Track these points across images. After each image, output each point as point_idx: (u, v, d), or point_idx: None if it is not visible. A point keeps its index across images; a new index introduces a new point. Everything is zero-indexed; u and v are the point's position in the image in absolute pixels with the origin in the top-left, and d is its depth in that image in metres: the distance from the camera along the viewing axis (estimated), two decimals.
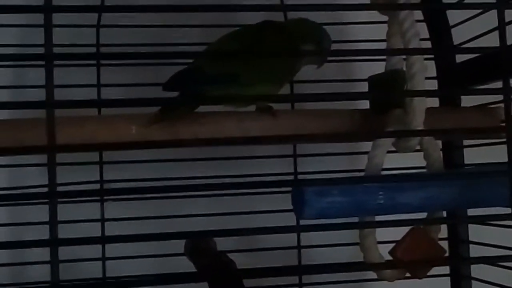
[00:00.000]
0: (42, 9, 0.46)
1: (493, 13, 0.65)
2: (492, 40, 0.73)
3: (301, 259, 1.03)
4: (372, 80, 0.85)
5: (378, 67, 0.84)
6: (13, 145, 0.63)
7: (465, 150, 1.00)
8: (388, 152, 0.75)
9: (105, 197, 0.97)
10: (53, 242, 0.42)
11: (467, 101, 0.96)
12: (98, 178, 0.98)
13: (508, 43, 0.60)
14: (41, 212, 0.73)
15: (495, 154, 0.83)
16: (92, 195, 0.47)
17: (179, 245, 0.88)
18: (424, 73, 0.73)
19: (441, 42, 0.99)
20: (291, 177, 1.03)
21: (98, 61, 0.98)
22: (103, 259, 0.98)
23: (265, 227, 0.56)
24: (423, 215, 0.77)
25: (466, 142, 1.00)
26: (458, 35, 0.99)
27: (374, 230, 0.75)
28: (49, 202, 0.44)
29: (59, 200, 0.59)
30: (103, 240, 0.79)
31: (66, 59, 0.44)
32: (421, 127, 0.74)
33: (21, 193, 0.42)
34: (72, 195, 0.42)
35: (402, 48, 0.75)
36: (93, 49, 0.99)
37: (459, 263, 1.00)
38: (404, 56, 0.77)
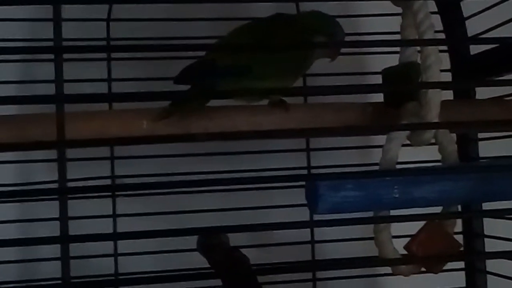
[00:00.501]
0: (51, 1, 0.45)
1: (507, 5, 0.64)
2: (506, 32, 0.73)
3: (314, 254, 1.02)
4: (386, 73, 0.84)
5: (392, 60, 0.83)
6: (22, 140, 0.62)
7: (480, 143, 0.99)
8: (403, 145, 0.75)
9: (117, 193, 0.97)
10: (64, 239, 0.41)
11: (482, 94, 0.95)
12: (109, 174, 0.97)
13: None
14: (51, 208, 0.73)
15: (511, 147, 0.82)
16: (103, 190, 0.46)
17: (191, 240, 0.87)
18: (439, 65, 0.72)
19: (455, 34, 0.98)
20: (304, 172, 1.02)
21: (109, 55, 0.97)
22: (115, 255, 0.97)
23: (277, 222, 0.55)
24: (438, 209, 0.76)
25: (481, 135, 0.99)
26: (472, 28, 0.97)
27: (389, 225, 0.74)
28: (59, 198, 0.43)
29: (70, 196, 0.59)
30: (115, 236, 0.78)
31: (76, 52, 0.43)
32: (436, 120, 0.73)
33: (31, 189, 0.41)
34: (83, 191, 0.41)
35: (416, 39, 0.74)
36: (104, 43, 0.98)
37: (475, 257, 0.99)
38: (418, 48, 0.76)
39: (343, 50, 0.89)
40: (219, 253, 0.85)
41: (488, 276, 0.98)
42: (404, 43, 0.80)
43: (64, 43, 0.54)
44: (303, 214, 0.83)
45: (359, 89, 0.58)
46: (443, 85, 0.73)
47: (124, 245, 0.97)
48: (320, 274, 1.01)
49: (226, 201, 1.00)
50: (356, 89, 0.57)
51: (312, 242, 1.02)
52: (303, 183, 0.71)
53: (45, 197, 0.88)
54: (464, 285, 1.00)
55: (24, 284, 0.98)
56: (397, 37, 0.82)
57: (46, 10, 0.67)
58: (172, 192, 0.98)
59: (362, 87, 0.61)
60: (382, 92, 0.84)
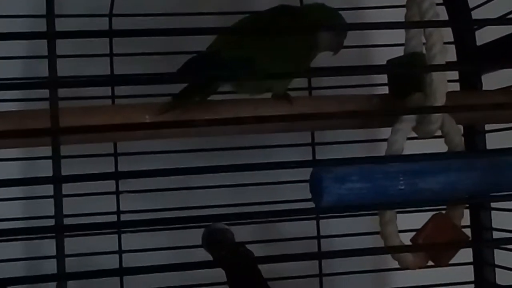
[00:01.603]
0: None
1: None
2: None
3: (320, 248, 1.01)
4: (392, 63, 0.83)
5: (398, 53, 0.82)
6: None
7: (487, 136, 0.98)
8: (409, 139, 0.74)
9: (120, 190, 0.96)
10: (58, 229, 0.40)
11: (489, 85, 0.94)
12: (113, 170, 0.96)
13: None
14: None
15: None
16: (104, 178, 0.46)
17: (196, 237, 0.87)
18: (444, 55, 0.71)
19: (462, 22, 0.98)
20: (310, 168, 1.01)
21: (111, 51, 0.96)
22: (120, 252, 0.96)
23: (282, 209, 0.54)
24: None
25: (488, 127, 0.98)
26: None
27: (394, 217, 0.73)
28: (54, 195, 0.42)
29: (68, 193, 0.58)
30: (119, 225, 0.77)
31: (71, 37, 0.42)
32: None
33: (28, 178, 0.40)
34: (81, 179, 0.40)
35: (420, 21, 0.72)
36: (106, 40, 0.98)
37: (481, 246, 0.98)
38: (423, 40, 0.75)
39: (349, 42, 0.89)
40: (224, 248, 0.85)
41: (497, 269, 0.97)
42: (409, 24, 0.78)
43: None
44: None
45: (365, 71, 0.57)
46: (448, 68, 0.72)
47: (128, 242, 0.96)
48: (326, 269, 1.00)
49: (231, 197, 1.00)
50: (361, 71, 0.56)
51: (318, 237, 1.01)
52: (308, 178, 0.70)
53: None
54: (473, 279, 0.99)
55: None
56: (402, 30, 0.81)
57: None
58: (177, 188, 0.97)
59: (368, 69, 0.59)
60: (387, 73, 0.83)
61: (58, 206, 0.42)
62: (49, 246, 0.85)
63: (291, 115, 0.56)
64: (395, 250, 0.73)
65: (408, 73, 0.78)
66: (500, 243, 0.88)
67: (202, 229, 0.87)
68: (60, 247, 0.43)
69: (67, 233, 0.43)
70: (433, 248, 0.73)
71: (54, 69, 0.41)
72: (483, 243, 0.97)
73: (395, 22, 0.64)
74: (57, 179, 0.40)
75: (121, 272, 0.75)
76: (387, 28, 0.56)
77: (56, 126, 0.38)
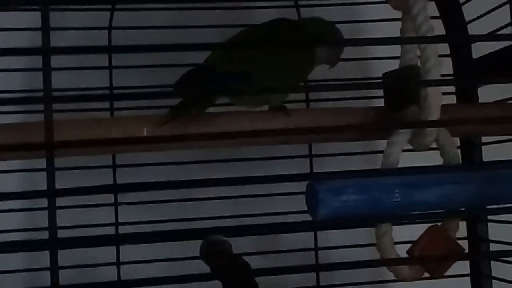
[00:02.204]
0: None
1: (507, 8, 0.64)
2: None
3: (318, 260, 1.02)
4: (387, 77, 0.83)
5: (394, 65, 0.83)
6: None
7: (484, 148, 0.98)
8: (404, 151, 0.74)
9: (119, 202, 0.96)
10: (52, 244, 0.41)
11: (485, 98, 0.95)
12: (112, 182, 0.97)
13: None
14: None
15: None
16: (103, 191, 0.46)
17: (194, 248, 0.87)
18: (439, 68, 0.72)
19: (457, 38, 0.98)
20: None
21: (110, 63, 0.96)
22: (118, 263, 0.96)
23: (280, 222, 0.55)
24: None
25: (484, 139, 0.98)
26: (474, 32, 0.97)
27: (390, 229, 0.74)
28: (48, 207, 0.42)
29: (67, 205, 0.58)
30: (117, 240, 0.77)
31: (66, 52, 0.42)
32: None
33: (20, 192, 0.41)
34: (76, 193, 0.41)
35: (417, 37, 0.73)
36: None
37: (477, 259, 0.98)
38: (419, 53, 0.75)
39: (345, 55, 0.89)
40: (221, 259, 0.85)
41: (494, 281, 0.97)
42: (406, 40, 0.79)
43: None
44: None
45: (360, 87, 0.58)
46: (444, 83, 0.73)
47: (127, 254, 0.97)
48: (324, 281, 1.00)
49: (230, 208, 1.00)
50: (358, 87, 0.57)
51: (316, 248, 1.01)
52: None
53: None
54: None
55: None
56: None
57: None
58: (174, 200, 0.97)
59: (364, 84, 0.60)
60: (383, 88, 0.84)
61: (52, 219, 0.42)
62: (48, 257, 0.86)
63: (286, 129, 0.57)
64: (391, 262, 0.74)
65: (403, 86, 0.79)
66: (496, 256, 0.88)
67: (201, 240, 0.88)
68: (53, 260, 0.43)
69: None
70: (428, 261, 0.74)
71: (49, 84, 0.41)
72: (479, 255, 0.97)
73: (391, 38, 0.65)
74: (50, 193, 0.40)
75: (120, 285, 0.75)
76: (384, 44, 0.57)
77: (50, 140, 0.38)
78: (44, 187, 0.91)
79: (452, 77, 0.98)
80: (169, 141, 0.53)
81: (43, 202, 0.71)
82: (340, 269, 0.60)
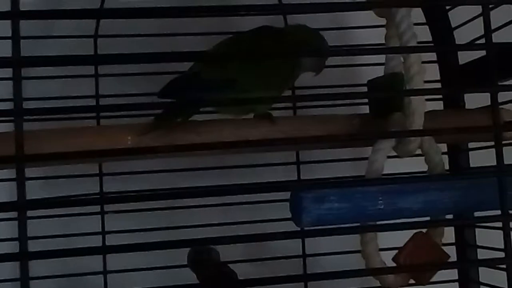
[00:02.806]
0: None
1: (494, 13, 0.65)
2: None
3: (306, 268, 1.01)
4: (371, 84, 0.83)
5: (379, 73, 0.83)
6: None
7: (471, 154, 0.98)
8: (389, 157, 0.74)
9: (106, 210, 0.96)
10: (22, 256, 0.41)
11: (472, 104, 0.95)
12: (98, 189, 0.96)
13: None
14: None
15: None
16: (90, 203, 0.46)
17: (182, 256, 0.87)
18: (422, 75, 0.72)
19: (444, 44, 0.98)
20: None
21: (96, 71, 0.96)
22: (104, 272, 0.96)
23: (267, 233, 0.55)
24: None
25: (471, 145, 0.98)
26: (460, 38, 0.97)
27: (375, 237, 0.74)
28: (18, 216, 0.42)
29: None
30: (104, 249, 0.77)
31: (35, 65, 0.42)
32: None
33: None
34: (42, 206, 0.40)
35: (403, 46, 0.73)
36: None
37: (463, 265, 0.98)
38: (403, 60, 0.75)
39: (331, 62, 0.89)
40: (208, 268, 0.85)
41: (482, 287, 0.97)
42: (391, 50, 0.79)
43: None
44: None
45: (344, 97, 0.58)
46: (425, 92, 0.73)
47: (114, 263, 0.96)
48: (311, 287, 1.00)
49: (217, 215, 1.00)
50: (341, 96, 0.57)
51: (304, 255, 1.01)
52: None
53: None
54: None
55: None
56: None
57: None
58: (161, 207, 0.97)
59: (348, 94, 0.60)
60: (367, 97, 0.84)
61: (22, 231, 0.41)
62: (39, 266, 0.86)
63: (271, 139, 0.57)
64: (377, 272, 0.74)
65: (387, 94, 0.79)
66: (482, 264, 0.88)
67: (188, 248, 0.88)
68: (24, 272, 0.43)
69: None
70: (414, 269, 0.74)
71: (20, 95, 0.41)
72: (464, 263, 0.97)
73: (376, 48, 0.65)
74: (19, 205, 0.40)
75: None
76: (369, 54, 0.57)
77: (20, 153, 0.38)
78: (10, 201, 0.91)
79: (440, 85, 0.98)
80: (155, 153, 0.52)
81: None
82: (327, 279, 0.60)
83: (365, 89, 0.85)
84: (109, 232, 0.96)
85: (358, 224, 0.72)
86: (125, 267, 0.96)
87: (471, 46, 0.75)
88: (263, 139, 0.72)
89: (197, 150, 0.46)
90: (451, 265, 0.86)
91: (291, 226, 0.77)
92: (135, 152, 0.56)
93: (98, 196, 0.90)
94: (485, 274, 0.96)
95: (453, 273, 0.99)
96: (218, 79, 0.77)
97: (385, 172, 0.74)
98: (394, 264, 0.74)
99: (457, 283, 0.99)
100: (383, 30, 0.81)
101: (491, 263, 0.67)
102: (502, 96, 0.86)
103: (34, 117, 0.76)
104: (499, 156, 0.59)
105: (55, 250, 0.43)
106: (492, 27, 0.82)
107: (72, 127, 0.77)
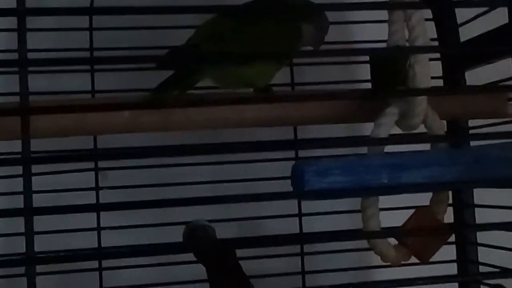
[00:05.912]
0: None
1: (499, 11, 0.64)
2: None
3: (303, 248, 1.00)
4: (374, 58, 0.82)
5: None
6: None
7: (471, 132, 0.98)
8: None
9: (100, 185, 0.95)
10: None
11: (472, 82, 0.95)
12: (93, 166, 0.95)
13: None
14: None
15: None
16: (83, 159, 0.44)
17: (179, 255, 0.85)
18: (426, 37, 0.71)
19: (447, 39, 0.97)
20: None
21: (92, 66, 0.94)
22: (100, 269, 0.93)
23: (264, 193, 0.54)
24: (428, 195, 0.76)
25: (471, 123, 0.97)
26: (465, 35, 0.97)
27: (377, 212, 0.72)
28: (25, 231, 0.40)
29: None
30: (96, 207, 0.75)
31: (40, 64, 0.41)
32: (424, 104, 0.72)
33: None
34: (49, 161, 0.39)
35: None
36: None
37: (464, 229, 0.98)
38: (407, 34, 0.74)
39: (330, 38, 0.88)
40: (204, 243, 0.84)
41: (481, 267, 0.96)
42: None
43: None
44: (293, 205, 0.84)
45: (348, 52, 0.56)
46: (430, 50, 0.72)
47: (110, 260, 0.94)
48: (308, 267, 0.99)
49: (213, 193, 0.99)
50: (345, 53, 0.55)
51: (300, 215, 0.99)
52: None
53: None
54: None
55: None
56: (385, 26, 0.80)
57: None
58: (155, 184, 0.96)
59: (352, 51, 0.58)
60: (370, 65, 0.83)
61: (30, 242, 0.40)
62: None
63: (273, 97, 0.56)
64: (373, 234, 0.73)
65: (392, 67, 0.77)
66: (484, 278, 0.87)
67: (183, 226, 0.86)
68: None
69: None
70: (409, 235, 0.74)
71: (24, 45, 0.40)
72: (465, 228, 0.96)
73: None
74: (27, 212, 0.38)
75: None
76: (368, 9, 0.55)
77: (25, 104, 0.37)
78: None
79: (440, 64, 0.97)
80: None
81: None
82: (323, 241, 0.59)
83: (368, 84, 0.84)
84: (105, 228, 0.94)
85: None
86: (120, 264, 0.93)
87: None
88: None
89: (209, 105, 0.44)
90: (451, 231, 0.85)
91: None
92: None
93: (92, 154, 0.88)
94: (482, 234, 0.96)
95: (452, 254, 0.98)
96: (217, 51, 0.76)
97: (387, 148, 0.72)
98: (395, 241, 0.74)
99: (455, 264, 0.99)
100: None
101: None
102: (503, 73, 0.86)
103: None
104: None
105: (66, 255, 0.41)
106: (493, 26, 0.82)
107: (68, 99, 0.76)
